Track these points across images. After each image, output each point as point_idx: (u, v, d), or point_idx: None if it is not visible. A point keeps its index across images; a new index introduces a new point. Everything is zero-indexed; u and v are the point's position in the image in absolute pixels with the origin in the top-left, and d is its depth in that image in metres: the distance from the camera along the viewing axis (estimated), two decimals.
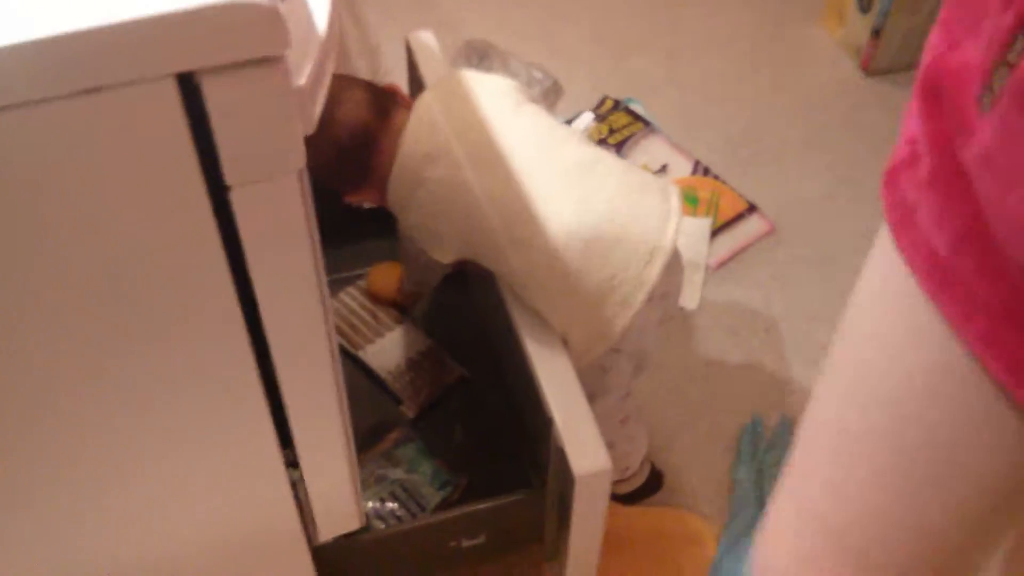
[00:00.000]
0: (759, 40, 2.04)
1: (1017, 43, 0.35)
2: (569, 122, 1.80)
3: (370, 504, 1.13)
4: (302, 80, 0.54)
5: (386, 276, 1.36)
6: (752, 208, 1.67)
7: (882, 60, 1.92)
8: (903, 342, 0.47)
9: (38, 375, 0.62)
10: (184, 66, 0.49)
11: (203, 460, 0.73)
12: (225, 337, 0.64)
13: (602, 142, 1.75)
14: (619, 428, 1.15)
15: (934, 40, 0.45)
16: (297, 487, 0.82)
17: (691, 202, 1.67)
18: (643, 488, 1.27)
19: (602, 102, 1.85)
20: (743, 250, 1.62)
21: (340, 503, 0.85)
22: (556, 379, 0.96)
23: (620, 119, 1.81)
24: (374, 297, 1.37)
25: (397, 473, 1.17)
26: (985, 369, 0.42)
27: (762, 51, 2.01)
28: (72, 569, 0.78)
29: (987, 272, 0.40)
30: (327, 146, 1.05)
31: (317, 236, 0.62)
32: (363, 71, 1.78)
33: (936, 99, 0.43)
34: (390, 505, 1.14)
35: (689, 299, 1.53)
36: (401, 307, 1.37)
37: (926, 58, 0.45)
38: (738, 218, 1.66)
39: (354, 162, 1.08)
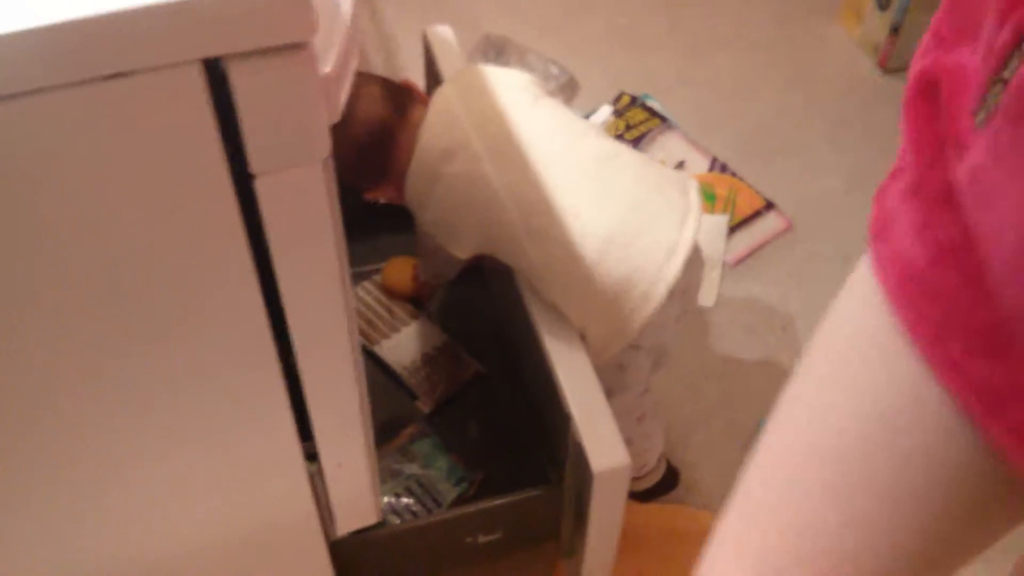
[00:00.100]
0: (776, 37, 2.03)
1: (1013, 60, 0.34)
2: (587, 116, 1.79)
3: (385, 499, 1.13)
4: (328, 67, 0.53)
5: (401, 270, 1.36)
6: (769, 205, 1.66)
7: (900, 58, 1.90)
8: (870, 374, 0.44)
9: (69, 367, 0.62)
10: (211, 51, 0.49)
11: (224, 453, 0.73)
12: (247, 328, 0.63)
13: (618, 138, 1.74)
14: (636, 425, 1.14)
15: (926, 46, 0.43)
16: (314, 481, 0.82)
17: (708, 199, 1.66)
18: (659, 486, 1.26)
19: (619, 98, 1.84)
20: (760, 247, 1.61)
21: (358, 497, 0.85)
22: (574, 374, 0.95)
23: (637, 115, 1.80)
24: (389, 292, 1.37)
25: (413, 468, 1.16)
26: (954, 397, 0.39)
27: (779, 48, 2.00)
28: (92, 564, 0.78)
29: (969, 289, 0.38)
30: (345, 143, 1.05)
31: (341, 226, 0.62)
32: (379, 67, 1.78)
33: (928, 105, 0.42)
34: (405, 500, 1.14)
35: (706, 296, 1.52)
36: (417, 302, 1.36)
37: (916, 65, 0.43)
38: (755, 215, 1.65)
39: (373, 159, 1.07)
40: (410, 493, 1.14)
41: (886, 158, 0.47)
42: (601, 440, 0.90)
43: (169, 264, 0.58)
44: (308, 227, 0.59)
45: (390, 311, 1.35)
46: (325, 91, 0.54)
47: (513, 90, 1.06)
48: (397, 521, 1.11)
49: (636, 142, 1.75)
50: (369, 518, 0.90)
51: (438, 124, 1.04)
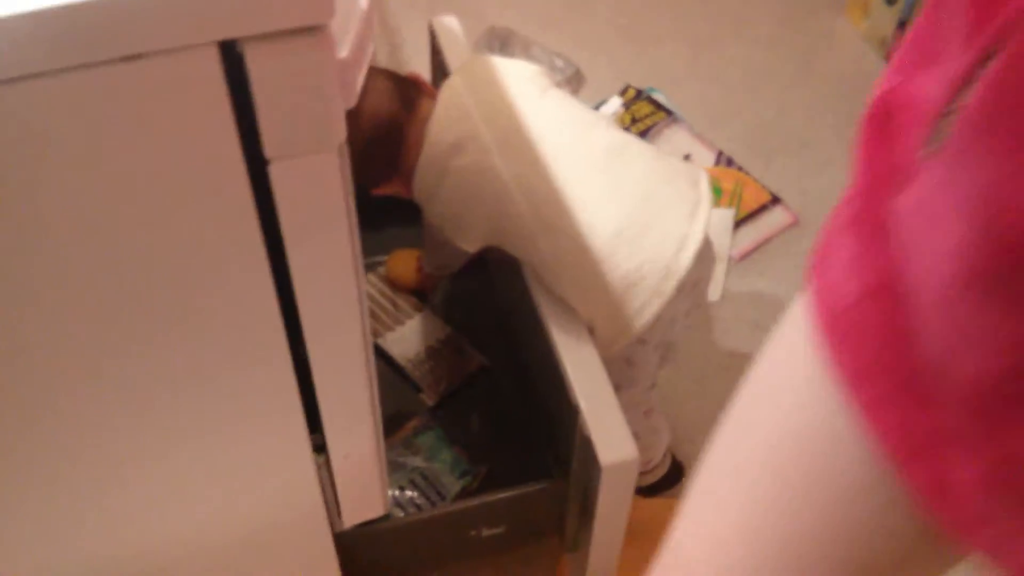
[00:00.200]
0: (783, 31, 2.02)
1: (967, 90, 0.33)
2: (597, 108, 1.78)
3: (389, 492, 1.12)
4: (344, 52, 0.53)
5: (405, 263, 1.35)
6: (775, 199, 1.66)
7: None
8: (795, 413, 0.42)
9: (77, 358, 0.61)
10: (227, 34, 0.48)
11: (233, 446, 0.72)
12: (259, 317, 0.62)
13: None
14: (643, 419, 1.14)
15: (887, 72, 0.42)
16: (321, 473, 0.81)
17: (714, 193, 1.65)
18: (664, 480, 1.26)
19: (624, 91, 1.83)
20: (766, 242, 1.61)
21: (366, 489, 0.84)
22: (582, 367, 0.95)
23: (642, 108, 1.79)
24: (393, 284, 1.36)
25: (416, 461, 1.16)
26: (875, 442, 0.37)
27: (786, 42, 1.99)
28: (107, 551, 0.78)
29: (895, 331, 0.36)
30: (353, 138, 1.04)
31: (355, 214, 0.61)
32: (384, 60, 1.77)
33: (880, 132, 0.41)
34: (409, 493, 1.13)
35: (712, 291, 1.51)
36: (421, 294, 1.35)
37: (876, 90, 0.42)
38: (761, 209, 1.64)
39: (382, 154, 1.06)
40: (414, 486, 1.14)
41: None
42: (610, 433, 0.90)
43: (181, 251, 0.57)
44: (323, 214, 0.58)
45: (394, 303, 1.34)
46: (342, 76, 0.53)
47: (521, 81, 1.05)
48: (401, 514, 1.10)
49: (642, 135, 1.74)
50: (376, 510, 0.90)
51: (447, 118, 1.03)
